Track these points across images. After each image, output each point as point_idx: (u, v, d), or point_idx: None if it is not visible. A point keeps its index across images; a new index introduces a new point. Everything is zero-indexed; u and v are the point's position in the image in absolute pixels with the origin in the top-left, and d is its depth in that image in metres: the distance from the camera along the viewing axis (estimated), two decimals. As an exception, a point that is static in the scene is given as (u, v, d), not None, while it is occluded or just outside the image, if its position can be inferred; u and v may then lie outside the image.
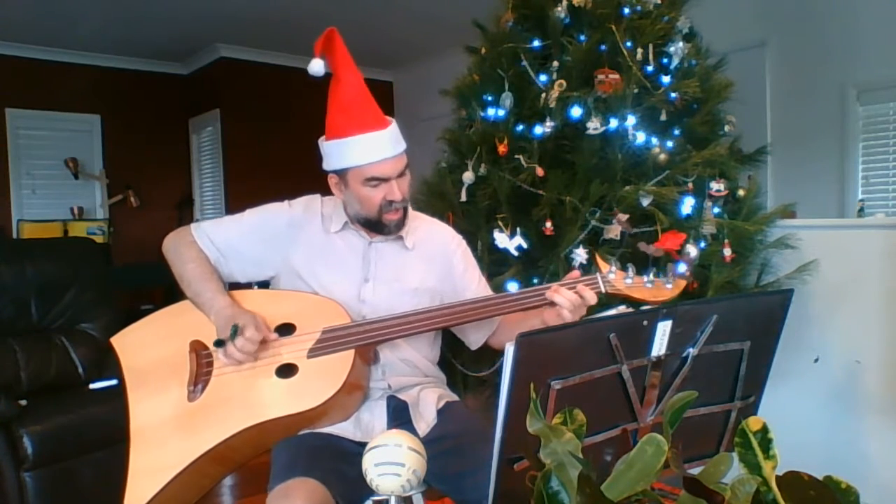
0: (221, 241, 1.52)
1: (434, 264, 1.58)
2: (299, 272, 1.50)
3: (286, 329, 1.41)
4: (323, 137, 1.48)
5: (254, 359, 1.36)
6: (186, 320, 1.45)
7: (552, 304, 1.38)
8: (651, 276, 1.43)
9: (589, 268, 1.88)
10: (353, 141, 1.41)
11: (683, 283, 1.46)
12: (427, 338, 1.56)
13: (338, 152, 1.44)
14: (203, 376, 1.40)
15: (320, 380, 1.32)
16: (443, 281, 1.58)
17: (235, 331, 1.32)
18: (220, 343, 1.35)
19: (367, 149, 1.41)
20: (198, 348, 1.43)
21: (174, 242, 1.53)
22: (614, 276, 1.42)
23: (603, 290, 1.41)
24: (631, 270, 1.43)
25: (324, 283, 1.48)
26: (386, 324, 1.38)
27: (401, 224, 1.51)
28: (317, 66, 1.38)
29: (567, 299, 1.35)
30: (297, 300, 1.46)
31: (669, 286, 1.43)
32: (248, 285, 1.58)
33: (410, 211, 1.57)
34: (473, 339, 1.63)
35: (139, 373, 1.43)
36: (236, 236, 1.53)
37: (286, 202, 1.58)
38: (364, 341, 1.36)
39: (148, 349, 1.46)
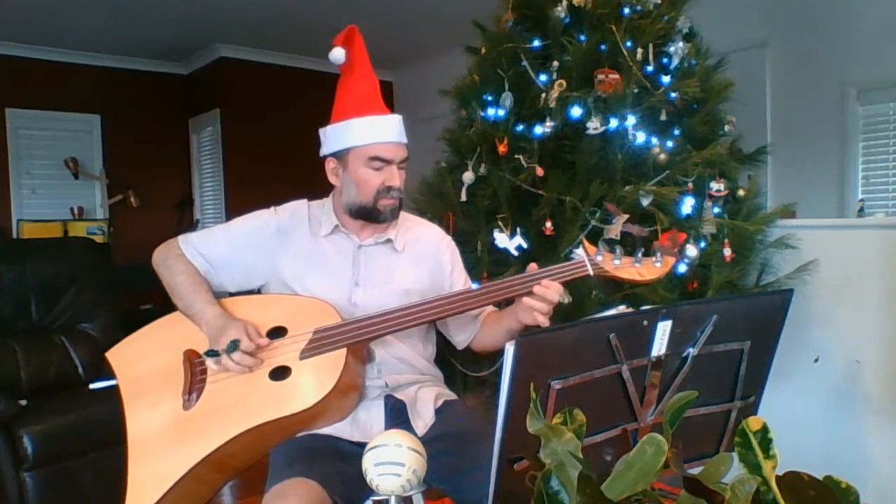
0: (210, 252, 1.51)
1: (424, 265, 1.58)
2: (288, 279, 1.49)
3: (278, 332, 1.40)
4: (324, 128, 1.50)
5: (249, 371, 1.35)
6: (180, 331, 1.45)
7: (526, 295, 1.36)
8: (639, 255, 1.41)
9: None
10: (358, 121, 1.43)
11: (673, 260, 1.43)
12: (419, 334, 1.56)
13: (341, 133, 1.45)
14: (197, 384, 1.39)
15: (314, 380, 1.32)
16: (433, 281, 1.58)
17: (235, 346, 1.32)
18: (212, 353, 1.34)
19: (373, 129, 1.44)
20: (192, 357, 1.43)
21: (163, 255, 1.53)
22: (602, 259, 1.39)
23: (591, 272, 1.39)
24: (619, 251, 1.41)
25: (312, 289, 1.47)
26: (376, 320, 1.37)
27: (395, 212, 1.51)
28: (338, 54, 1.43)
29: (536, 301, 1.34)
30: (288, 303, 1.45)
31: (659, 264, 1.41)
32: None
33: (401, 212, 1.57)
34: (459, 339, 1.62)
35: (135, 385, 1.44)
36: (224, 246, 1.52)
37: (273, 208, 1.57)
38: (355, 339, 1.35)
39: (143, 361, 1.46)
